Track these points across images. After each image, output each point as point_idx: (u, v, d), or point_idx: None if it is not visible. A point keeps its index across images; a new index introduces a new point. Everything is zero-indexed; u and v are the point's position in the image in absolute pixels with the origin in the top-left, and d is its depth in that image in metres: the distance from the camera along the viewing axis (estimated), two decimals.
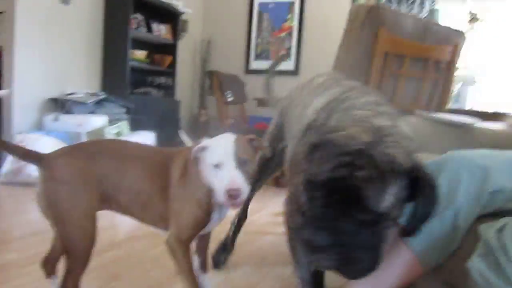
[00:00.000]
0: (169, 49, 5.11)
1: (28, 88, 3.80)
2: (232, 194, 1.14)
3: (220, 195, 1.17)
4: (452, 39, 1.98)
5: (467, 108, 3.06)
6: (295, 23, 5.75)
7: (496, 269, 0.70)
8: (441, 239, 0.92)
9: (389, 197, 0.79)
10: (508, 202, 0.92)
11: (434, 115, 1.60)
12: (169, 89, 5.18)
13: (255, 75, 5.66)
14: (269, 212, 2.80)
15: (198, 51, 6.02)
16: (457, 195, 0.92)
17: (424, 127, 1.57)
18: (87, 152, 1.25)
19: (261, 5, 5.93)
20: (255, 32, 5.98)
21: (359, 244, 0.80)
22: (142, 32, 4.69)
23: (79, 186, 1.19)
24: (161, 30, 5.01)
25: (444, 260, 0.94)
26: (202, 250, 1.46)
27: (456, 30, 2.02)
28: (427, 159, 1.09)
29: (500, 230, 0.77)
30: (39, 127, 3.88)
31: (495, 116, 2.81)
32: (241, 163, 1.18)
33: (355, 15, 1.90)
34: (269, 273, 1.77)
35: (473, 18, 4.63)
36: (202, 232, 1.35)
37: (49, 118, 3.86)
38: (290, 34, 5.79)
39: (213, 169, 1.19)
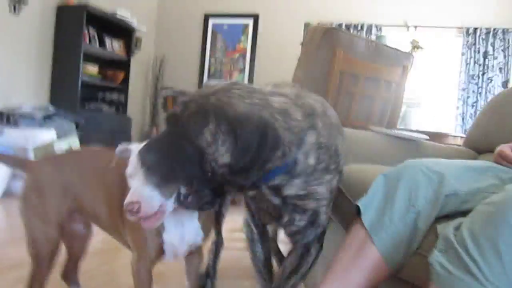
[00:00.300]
0: (122, 65, 5.06)
1: None
2: (129, 209, 0.92)
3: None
4: (401, 61, 2.13)
5: (412, 128, 3.25)
6: (248, 45, 5.88)
7: (456, 262, 0.77)
8: (404, 240, 0.99)
9: (207, 133, 0.87)
10: (462, 204, 1.01)
11: (387, 130, 1.70)
12: (120, 106, 5.10)
13: None
14: (226, 229, 2.80)
15: (151, 68, 5.99)
16: (417, 199, 1.00)
17: (379, 141, 1.67)
18: (62, 161, 1.24)
19: (215, 26, 6.03)
20: (208, 52, 6.04)
21: (183, 173, 0.89)
22: (95, 47, 4.62)
23: (49, 192, 1.18)
24: (114, 46, 4.95)
25: (406, 260, 1.00)
26: (190, 274, 1.30)
27: (404, 53, 2.17)
28: (383, 170, 1.17)
29: (457, 228, 0.84)
30: None
31: (437, 136, 3.00)
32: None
33: (311, 36, 1.99)
34: (231, 286, 1.78)
35: (415, 46, 4.94)
36: (169, 259, 1.18)
37: None
38: (243, 55, 5.91)
39: (130, 180, 0.98)
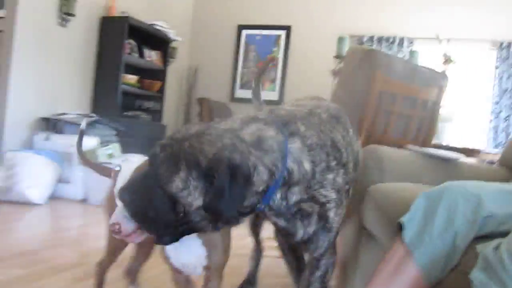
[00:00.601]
0: (159, 74, 5.25)
1: (21, 106, 3.85)
2: (112, 229, 1.01)
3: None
4: (438, 81, 2.21)
5: (444, 143, 3.30)
6: (280, 55, 6.00)
7: (494, 278, 0.86)
8: (442, 257, 1.08)
9: (178, 180, 0.91)
10: (500, 225, 1.09)
11: (424, 149, 1.78)
12: (157, 114, 5.29)
13: (240, 103, 5.83)
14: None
15: (185, 77, 6.17)
16: (456, 219, 1.08)
17: (415, 159, 1.75)
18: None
19: (248, 36, 6.18)
20: (241, 62, 6.19)
21: (153, 213, 0.95)
22: (135, 58, 4.83)
23: None
24: (152, 56, 5.16)
25: (444, 277, 1.09)
26: None
27: (440, 73, 2.25)
28: (422, 189, 1.25)
29: (496, 248, 0.93)
30: (29, 145, 3.91)
31: (470, 152, 3.04)
32: None
33: (351, 57, 2.09)
34: None
35: (447, 60, 4.96)
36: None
37: (39, 137, 3.91)
38: (276, 65, 6.03)
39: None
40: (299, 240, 1.16)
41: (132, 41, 4.81)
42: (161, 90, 5.28)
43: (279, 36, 6.04)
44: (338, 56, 4.33)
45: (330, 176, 1.06)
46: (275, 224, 1.19)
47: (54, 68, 4.15)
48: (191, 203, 0.92)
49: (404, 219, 1.16)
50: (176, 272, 1.25)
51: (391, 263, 1.15)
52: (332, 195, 1.08)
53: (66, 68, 4.30)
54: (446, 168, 1.71)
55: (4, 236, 2.58)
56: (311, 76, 5.70)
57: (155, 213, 0.95)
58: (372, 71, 2.00)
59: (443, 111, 3.43)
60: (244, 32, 6.19)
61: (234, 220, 1.00)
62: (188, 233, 1.01)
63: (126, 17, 4.54)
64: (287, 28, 5.98)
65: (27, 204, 3.38)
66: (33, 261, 2.05)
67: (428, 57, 4.86)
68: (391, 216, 1.35)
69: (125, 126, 4.47)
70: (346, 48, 4.27)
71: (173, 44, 5.54)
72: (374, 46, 5.53)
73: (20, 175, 3.42)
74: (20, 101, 3.84)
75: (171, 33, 5.26)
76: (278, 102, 5.81)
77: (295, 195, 1.04)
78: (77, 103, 4.46)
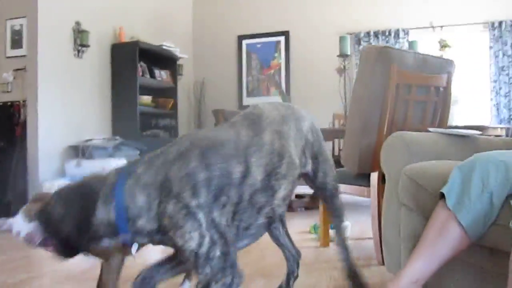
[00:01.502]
0: (170, 92, 5.48)
1: (51, 137, 4.07)
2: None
3: None
4: (446, 68, 2.42)
5: (454, 124, 3.52)
6: (282, 60, 6.23)
7: None
8: (482, 215, 1.28)
9: None
10: None
11: (444, 130, 1.99)
12: (173, 130, 5.51)
13: None
14: (294, 232, 3.12)
15: (192, 92, 6.39)
16: (489, 182, 1.29)
17: (438, 140, 1.96)
18: None
19: (249, 46, 6.41)
20: (245, 71, 6.42)
21: None
22: (147, 79, 5.06)
23: None
24: (162, 76, 5.38)
25: (485, 231, 1.30)
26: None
27: (447, 60, 2.46)
28: (452, 165, 1.46)
29: None
30: (61, 173, 4.12)
31: (479, 129, 3.26)
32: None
33: (367, 55, 2.31)
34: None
35: (444, 45, 5.19)
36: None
37: (71, 165, 4.12)
38: (279, 70, 6.26)
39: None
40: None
41: (142, 63, 5.03)
42: (174, 107, 5.50)
43: (278, 42, 6.28)
44: (341, 55, 4.56)
45: (163, 206, 1.17)
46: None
47: (76, 97, 4.37)
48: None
49: (444, 190, 1.37)
50: None
51: (436, 227, 1.36)
52: (166, 222, 1.18)
53: (86, 96, 4.52)
54: (465, 144, 1.91)
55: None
56: (314, 76, 5.94)
57: None
58: (388, 66, 2.21)
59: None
60: (244, 42, 6.42)
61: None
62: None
63: (137, 41, 4.77)
64: (286, 34, 6.22)
65: None
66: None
67: (424, 45, 5.08)
68: (429, 189, 1.57)
69: (146, 145, 4.68)
70: (348, 46, 4.50)
71: (179, 62, 5.77)
72: (372, 41, 5.76)
73: None
74: (50, 133, 4.06)
75: (178, 51, 5.49)
76: None
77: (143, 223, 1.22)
78: (99, 128, 4.68)
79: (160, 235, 1.20)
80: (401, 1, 5.74)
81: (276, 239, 1.78)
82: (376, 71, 2.23)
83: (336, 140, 4.94)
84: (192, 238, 1.14)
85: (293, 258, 1.80)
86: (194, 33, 6.63)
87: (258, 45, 6.38)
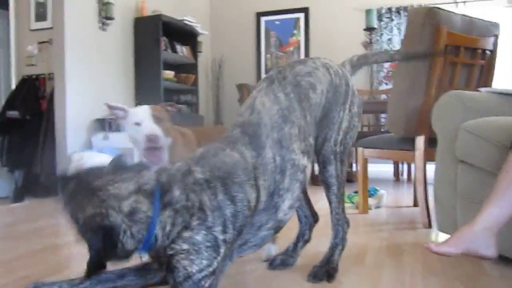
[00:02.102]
0: (192, 68, 5.45)
1: (78, 110, 4.06)
2: (151, 138, 1.61)
3: (141, 142, 1.64)
4: (492, 31, 2.39)
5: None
6: (301, 37, 6.18)
7: None
8: None
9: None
10: None
11: (497, 89, 1.98)
12: (193, 106, 5.50)
13: None
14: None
15: (210, 69, 6.36)
16: None
17: (489, 98, 1.94)
18: None
19: (268, 22, 6.36)
20: (263, 48, 6.38)
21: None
22: (170, 53, 5.03)
23: None
24: (183, 51, 5.35)
25: None
26: None
27: (493, 23, 2.43)
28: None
29: None
30: (88, 146, 4.13)
31: None
32: (157, 121, 1.67)
33: (413, 17, 2.28)
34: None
35: (455, 2, 5.16)
36: None
37: (98, 137, 4.13)
38: (297, 47, 6.21)
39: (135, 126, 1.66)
40: None
41: (164, 38, 5.00)
42: (195, 83, 5.48)
43: (298, 19, 6.21)
44: (367, 28, 4.52)
45: (186, 234, 1.12)
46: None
47: (100, 70, 4.35)
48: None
49: None
50: None
51: (509, 172, 1.36)
52: (185, 246, 1.12)
53: (110, 69, 4.50)
54: None
55: None
56: (335, 52, 5.87)
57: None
58: (436, 26, 2.19)
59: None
60: (263, 19, 6.37)
61: (122, 259, 1.17)
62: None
63: (160, 15, 4.73)
64: (305, 10, 6.15)
65: None
66: None
67: None
68: (494, 142, 1.56)
69: (170, 120, 4.67)
70: (375, 19, 4.46)
71: (199, 38, 5.73)
72: (393, 17, 5.69)
73: None
74: (77, 105, 4.05)
75: (199, 27, 5.45)
76: None
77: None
78: (123, 101, 4.66)
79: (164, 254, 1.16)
80: None
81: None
82: (424, 32, 2.21)
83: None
84: (201, 264, 1.12)
85: (306, 220, 1.68)
86: (212, 10, 6.57)
87: (277, 22, 6.32)
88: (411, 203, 3.04)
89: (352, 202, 2.99)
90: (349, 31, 5.62)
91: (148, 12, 4.86)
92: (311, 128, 1.39)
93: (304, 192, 1.65)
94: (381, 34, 5.72)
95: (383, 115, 5.09)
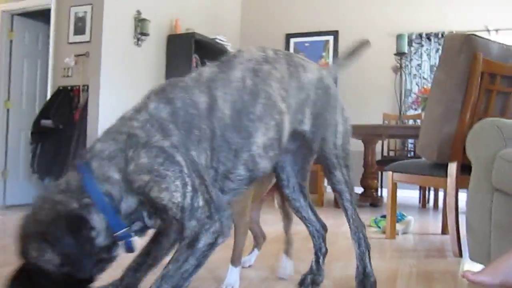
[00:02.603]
0: None
1: (109, 122, 4.13)
2: None
3: None
4: None
5: None
6: (330, 60, 6.21)
7: None
8: None
9: (32, 252, 1.04)
10: None
11: None
12: None
13: None
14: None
15: None
16: None
17: None
18: None
19: (297, 44, 6.42)
20: None
21: None
22: None
23: None
24: None
25: None
26: None
27: None
28: None
29: None
30: None
31: None
32: None
33: (450, 43, 2.28)
34: None
35: (487, 30, 5.14)
36: None
37: None
38: None
39: None
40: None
41: (196, 56, 5.10)
42: None
43: (327, 41, 6.26)
44: (398, 53, 4.52)
45: (132, 167, 1.06)
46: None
47: (133, 84, 4.45)
48: (54, 263, 1.04)
49: None
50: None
51: None
52: (146, 178, 1.06)
53: (142, 83, 4.60)
54: None
55: None
56: (363, 76, 5.89)
57: None
58: (473, 53, 2.18)
59: None
60: (292, 40, 6.44)
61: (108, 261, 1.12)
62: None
63: (193, 33, 4.84)
64: (335, 33, 6.20)
65: None
66: None
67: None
68: None
69: None
70: (405, 44, 4.46)
71: None
72: (423, 43, 5.69)
73: None
74: (109, 117, 4.13)
75: (230, 46, 5.55)
76: None
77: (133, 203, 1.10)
78: None
79: (147, 207, 1.12)
80: (454, 3, 5.65)
81: (297, 212, 1.65)
82: (461, 57, 2.20)
83: (387, 140, 4.89)
84: (178, 188, 1.04)
85: (317, 234, 1.67)
86: (243, 30, 6.69)
87: (306, 44, 6.38)
88: (438, 230, 2.99)
89: (379, 227, 2.96)
90: (379, 55, 5.63)
91: (181, 30, 4.98)
92: (291, 101, 1.33)
93: (310, 206, 1.66)
94: (411, 60, 5.72)
95: (410, 141, 5.04)
